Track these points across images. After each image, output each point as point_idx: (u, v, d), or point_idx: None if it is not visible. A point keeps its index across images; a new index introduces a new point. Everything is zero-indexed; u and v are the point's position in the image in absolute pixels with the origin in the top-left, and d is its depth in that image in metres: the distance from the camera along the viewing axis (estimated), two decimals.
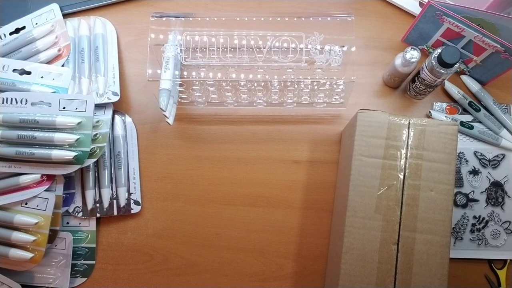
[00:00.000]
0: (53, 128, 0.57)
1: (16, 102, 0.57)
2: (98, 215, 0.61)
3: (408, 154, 0.50)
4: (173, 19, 0.58)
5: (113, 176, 0.62)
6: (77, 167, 0.57)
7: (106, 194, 0.61)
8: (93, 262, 0.61)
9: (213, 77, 0.58)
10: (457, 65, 0.54)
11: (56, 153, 0.56)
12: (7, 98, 0.57)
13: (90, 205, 0.61)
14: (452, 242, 0.60)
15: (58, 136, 0.56)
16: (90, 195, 0.61)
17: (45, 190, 0.57)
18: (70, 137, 0.56)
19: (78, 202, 0.61)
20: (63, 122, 0.56)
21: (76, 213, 0.60)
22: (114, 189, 0.62)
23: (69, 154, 0.56)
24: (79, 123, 0.57)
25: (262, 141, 0.64)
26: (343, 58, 0.56)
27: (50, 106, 0.57)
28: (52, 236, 0.58)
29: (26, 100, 0.57)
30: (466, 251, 0.60)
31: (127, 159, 0.63)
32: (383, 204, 0.49)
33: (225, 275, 0.60)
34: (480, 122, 0.64)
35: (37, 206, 0.57)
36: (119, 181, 0.62)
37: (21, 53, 0.63)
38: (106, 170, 0.61)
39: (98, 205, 0.61)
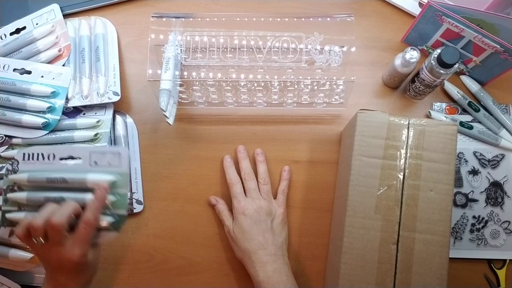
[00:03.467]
0: (84, 188, 0.48)
1: (43, 158, 0.49)
2: None
3: (408, 154, 0.50)
4: (174, 19, 0.58)
5: None
6: (114, 233, 0.48)
7: None
8: None
9: (213, 77, 0.58)
10: (456, 66, 0.54)
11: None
12: (32, 154, 0.49)
13: None
14: (452, 242, 0.60)
15: (90, 198, 0.47)
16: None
17: None
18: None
19: None
20: (95, 181, 0.48)
21: None
22: None
23: (105, 219, 0.47)
24: (114, 182, 0.47)
25: (262, 141, 0.64)
26: (343, 59, 0.56)
27: (79, 161, 0.49)
28: None
29: (54, 155, 0.49)
30: (466, 251, 0.60)
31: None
32: (382, 204, 0.49)
33: (226, 274, 0.61)
34: (479, 122, 0.64)
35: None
36: None
37: (21, 53, 0.63)
38: None
39: None
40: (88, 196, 0.47)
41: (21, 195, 0.47)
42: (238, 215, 0.56)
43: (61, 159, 0.49)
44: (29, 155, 0.48)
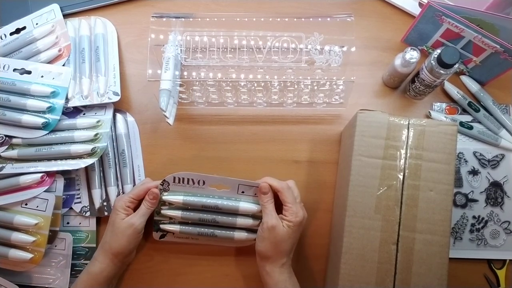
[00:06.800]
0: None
1: (193, 183, 0.56)
2: (106, 213, 0.61)
3: (408, 154, 0.50)
4: (174, 19, 0.58)
5: (118, 174, 0.62)
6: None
7: (113, 192, 0.61)
8: None
9: (213, 78, 0.58)
10: (456, 66, 0.54)
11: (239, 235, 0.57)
12: (182, 178, 0.56)
13: (97, 204, 0.61)
14: (452, 242, 0.60)
15: (240, 221, 0.56)
16: (97, 194, 0.61)
17: (45, 191, 0.57)
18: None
19: (85, 201, 0.61)
20: (245, 209, 0.56)
21: (84, 213, 0.60)
22: (121, 187, 0.62)
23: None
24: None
25: (262, 141, 0.64)
26: (343, 59, 0.56)
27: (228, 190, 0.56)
28: (52, 237, 0.58)
29: (204, 182, 0.56)
30: (466, 251, 0.60)
31: (131, 156, 0.63)
32: (382, 204, 0.49)
33: (226, 274, 0.61)
34: (479, 122, 0.64)
35: (37, 206, 0.57)
36: (124, 179, 0.62)
37: (21, 53, 0.63)
38: (111, 168, 0.61)
39: (105, 203, 0.61)
40: (238, 220, 0.56)
41: (176, 213, 0.56)
42: (295, 219, 0.53)
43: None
44: (179, 178, 0.55)
